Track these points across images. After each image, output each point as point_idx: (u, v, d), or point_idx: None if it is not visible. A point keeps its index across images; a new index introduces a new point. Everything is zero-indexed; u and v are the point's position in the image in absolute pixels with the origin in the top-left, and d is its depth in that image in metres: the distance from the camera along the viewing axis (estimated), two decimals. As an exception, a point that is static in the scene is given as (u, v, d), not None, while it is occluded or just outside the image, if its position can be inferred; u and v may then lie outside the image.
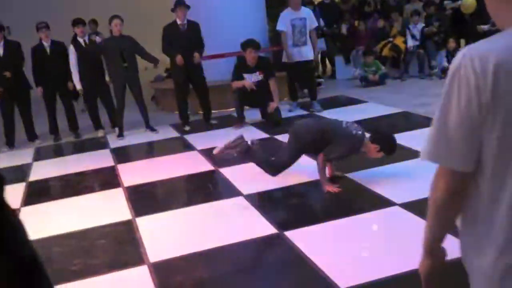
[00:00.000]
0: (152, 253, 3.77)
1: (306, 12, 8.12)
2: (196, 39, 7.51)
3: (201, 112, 7.92)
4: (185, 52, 7.32)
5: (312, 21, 8.08)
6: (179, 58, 7.29)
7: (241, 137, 4.93)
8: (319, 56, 10.40)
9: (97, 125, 8.00)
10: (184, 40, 7.40)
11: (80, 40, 7.62)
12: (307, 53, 8.02)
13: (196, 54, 7.39)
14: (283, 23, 7.96)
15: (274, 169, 4.82)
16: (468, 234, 1.44)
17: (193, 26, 7.54)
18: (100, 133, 7.92)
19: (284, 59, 8.10)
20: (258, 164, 4.92)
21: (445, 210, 1.41)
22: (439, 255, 1.54)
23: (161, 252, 3.77)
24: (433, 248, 1.52)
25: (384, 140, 4.61)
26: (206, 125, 7.70)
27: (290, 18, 7.93)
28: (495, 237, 1.35)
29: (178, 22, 7.48)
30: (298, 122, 5.13)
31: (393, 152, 4.62)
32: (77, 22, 7.66)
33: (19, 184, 5.84)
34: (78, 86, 7.63)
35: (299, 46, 7.94)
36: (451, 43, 9.77)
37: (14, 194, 5.45)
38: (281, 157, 4.85)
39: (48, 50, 7.62)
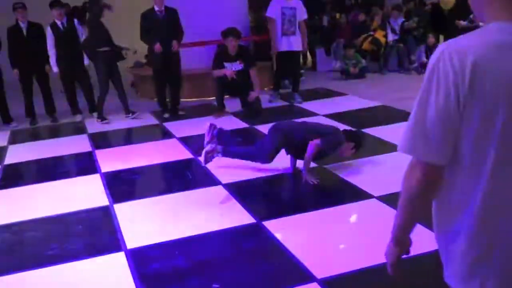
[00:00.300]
0: (129, 239, 3.75)
1: (297, 2, 7.97)
2: (175, 26, 7.43)
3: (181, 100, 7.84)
4: (163, 39, 7.24)
5: (302, 12, 7.95)
6: (157, 46, 7.22)
7: (213, 142, 4.83)
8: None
9: (75, 110, 7.89)
10: (163, 27, 7.31)
11: (58, 22, 7.47)
12: (295, 43, 7.92)
13: (174, 42, 7.32)
14: (273, 9, 7.85)
15: (262, 157, 4.78)
16: (441, 224, 1.48)
17: (171, 13, 7.43)
18: (77, 118, 7.82)
19: (274, 49, 8.00)
20: (244, 159, 4.89)
21: (418, 200, 1.45)
22: (406, 243, 1.60)
23: (138, 239, 3.75)
24: (401, 236, 1.58)
25: (356, 136, 4.82)
26: (173, 116, 7.56)
27: (281, 6, 7.82)
28: (466, 229, 1.39)
29: (156, 8, 7.38)
30: (283, 123, 5.04)
31: (362, 147, 4.82)
32: (54, 4, 7.49)
33: (-7, 167, 5.76)
34: (55, 69, 7.53)
35: (287, 36, 7.84)
36: (430, 38, 9.89)
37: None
38: (264, 146, 4.82)
39: (24, 31, 7.45)
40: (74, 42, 7.49)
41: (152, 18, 7.36)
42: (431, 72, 1.34)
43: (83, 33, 7.63)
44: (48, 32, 7.43)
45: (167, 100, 7.76)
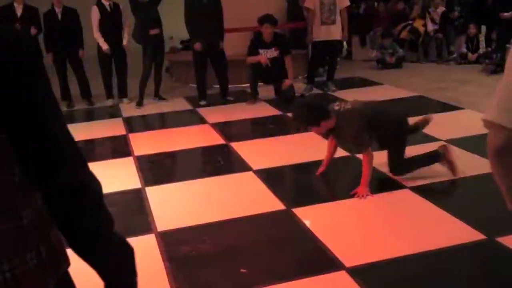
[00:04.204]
0: (160, 222, 3.80)
1: None
2: (216, 10, 7.40)
3: (216, 86, 7.84)
4: (205, 23, 7.23)
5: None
6: (197, 46, 7.27)
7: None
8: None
9: (109, 94, 7.93)
10: (205, 11, 7.28)
11: (105, 3, 7.49)
12: (335, 32, 7.66)
13: (221, 44, 7.35)
14: None
15: None
16: None
17: None
18: (109, 102, 7.87)
19: (309, 39, 7.83)
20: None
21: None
22: None
23: (169, 222, 3.79)
24: None
25: None
26: (221, 100, 7.58)
27: None
28: None
29: None
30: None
31: None
32: None
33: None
34: (105, 46, 7.48)
35: (327, 25, 7.58)
36: (472, 29, 9.62)
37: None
38: None
39: (59, 16, 7.54)
40: (118, 25, 7.53)
41: (194, 2, 7.29)
42: None
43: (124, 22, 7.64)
44: (94, 12, 7.47)
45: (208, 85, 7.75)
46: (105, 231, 1.15)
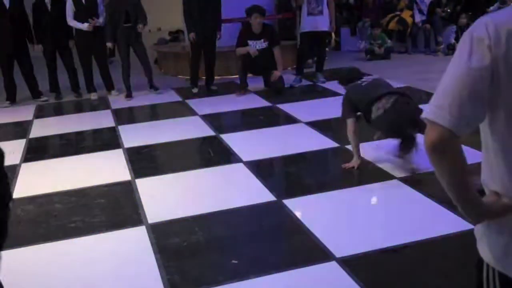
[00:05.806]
0: (151, 214, 3.79)
1: None
2: (215, 2, 7.44)
3: (203, 77, 7.83)
4: (201, 15, 7.23)
5: None
6: (192, 35, 7.32)
7: None
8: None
9: (90, 87, 7.80)
10: (202, 2, 7.29)
11: None
12: (322, 23, 7.62)
13: (219, 34, 7.46)
14: None
15: None
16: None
17: None
18: (92, 96, 7.74)
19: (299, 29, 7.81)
20: None
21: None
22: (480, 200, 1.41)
23: (160, 214, 3.79)
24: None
25: None
26: (206, 90, 7.64)
27: None
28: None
29: None
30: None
31: None
32: None
33: (19, 141, 5.84)
34: (86, 27, 7.32)
35: (314, 15, 7.55)
36: (462, 19, 9.64)
37: (14, 150, 5.44)
38: None
39: (49, 6, 7.41)
40: (95, 17, 7.43)
41: None
42: (465, 40, 1.31)
43: (103, 11, 7.51)
44: (68, 3, 7.36)
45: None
46: None
